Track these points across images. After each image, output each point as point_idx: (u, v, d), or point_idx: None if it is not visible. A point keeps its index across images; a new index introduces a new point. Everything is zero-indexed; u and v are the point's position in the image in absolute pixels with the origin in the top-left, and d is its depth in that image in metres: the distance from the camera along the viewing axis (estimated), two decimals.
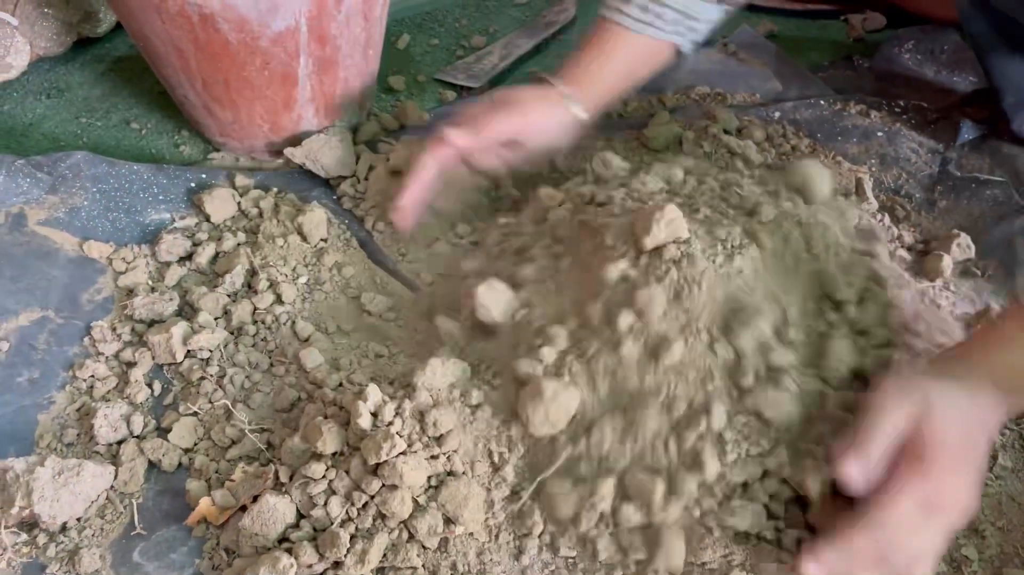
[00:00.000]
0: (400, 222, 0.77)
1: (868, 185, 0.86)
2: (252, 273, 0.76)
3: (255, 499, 0.58)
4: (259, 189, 0.86)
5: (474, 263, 0.76)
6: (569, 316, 0.64)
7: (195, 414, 0.66)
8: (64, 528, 0.59)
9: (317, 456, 0.59)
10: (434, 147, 0.75)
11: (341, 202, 0.86)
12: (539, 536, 0.58)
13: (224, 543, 0.58)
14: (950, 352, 0.61)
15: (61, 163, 0.82)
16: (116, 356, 0.71)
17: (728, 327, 0.60)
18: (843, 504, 0.54)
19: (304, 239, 0.79)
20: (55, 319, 0.73)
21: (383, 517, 0.57)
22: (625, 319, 0.60)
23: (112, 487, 0.62)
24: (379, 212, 0.84)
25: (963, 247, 0.80)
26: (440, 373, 0.62)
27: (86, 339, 0.72)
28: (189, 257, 0.79)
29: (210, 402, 0.67)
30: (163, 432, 0.65)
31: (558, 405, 0.58)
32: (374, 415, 0.59)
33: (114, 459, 0.63)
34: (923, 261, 0.79)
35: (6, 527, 0.58)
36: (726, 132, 0.91)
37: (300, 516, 0.58)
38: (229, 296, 0.74)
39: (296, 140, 0.88)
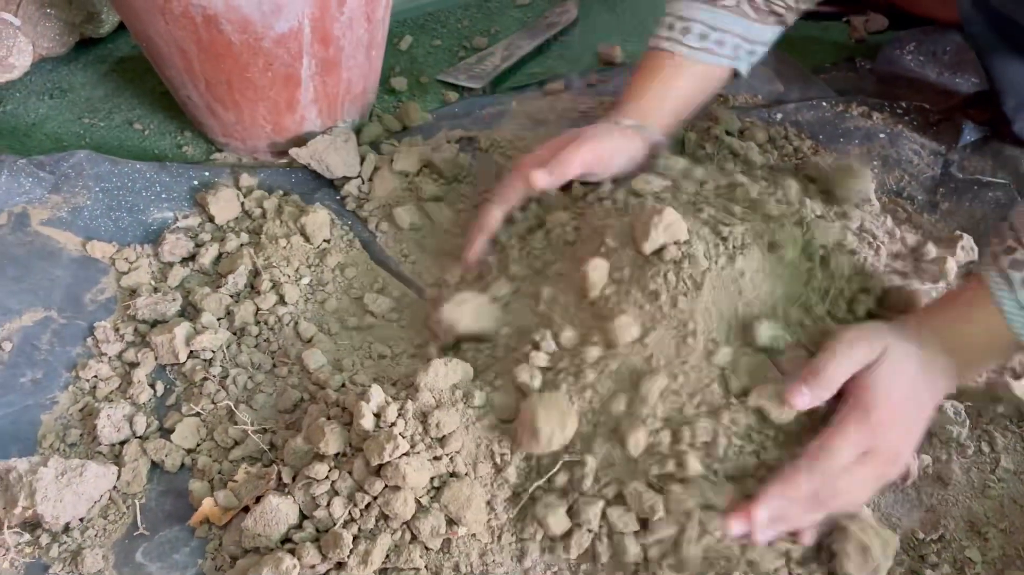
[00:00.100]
0: (466, 272, 0.75)
1: (871, 187, 0.86)
2: (255, 274, 0.76)
3: (258, 500, 0.58)
4: (262, 190, 0.86)
5: (455, 277, 0.76)
6: (561, 322, 0.64)
7: (198, 415, 0.66)
8: (67, 528, 0.59)
9: (320, 457, 0.59)
10: (506, 191, 0.74)
11: (345, 203, 0.86)
12: (540, 540, 0.58)
13: (227, 544, 0.58)
14: (915, 317, 0.62)
15: (64, 162, 0.82)
16: (119, 356, 0.71)
17: (729, 329, 0.60)
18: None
19: (307, 240, 0.79)
20: (58, 319, 0.73)
21: (386, 518, 0.57)
22: (592, 352, 0.61)
23: (115, 487, 0.62)
24: (384, 214, 0.84)
25: (967, 249, 0.80)
26: (442, 374, 0.62)
27: (89, 339, 0.72)
28: (192, 257, 0.79)
29: (213, 403, 0.67)
30: (166, 433, 0.65)
31: (553, 440, 0.58)
32: (377, 416, 0.59)
33: (117, 459, 0.63)
34: (927, 263, 0.79)
35: (9, 527, 0.58)
36: (728, 134, 0.91)
37: (303, 517, 0.58)
38: (232, 297, 0.75)
39: (299, 141, 0.88)
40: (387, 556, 0.56)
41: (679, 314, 0.61)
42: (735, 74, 0.81)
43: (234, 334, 0.72)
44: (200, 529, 0.60)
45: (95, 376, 0.69)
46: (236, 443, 0.64)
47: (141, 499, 0.62)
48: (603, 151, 0.73)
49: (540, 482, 0.59)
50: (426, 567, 0.56)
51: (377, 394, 0.59)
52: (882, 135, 0.95)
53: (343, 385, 0.67)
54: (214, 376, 0.68)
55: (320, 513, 0.57)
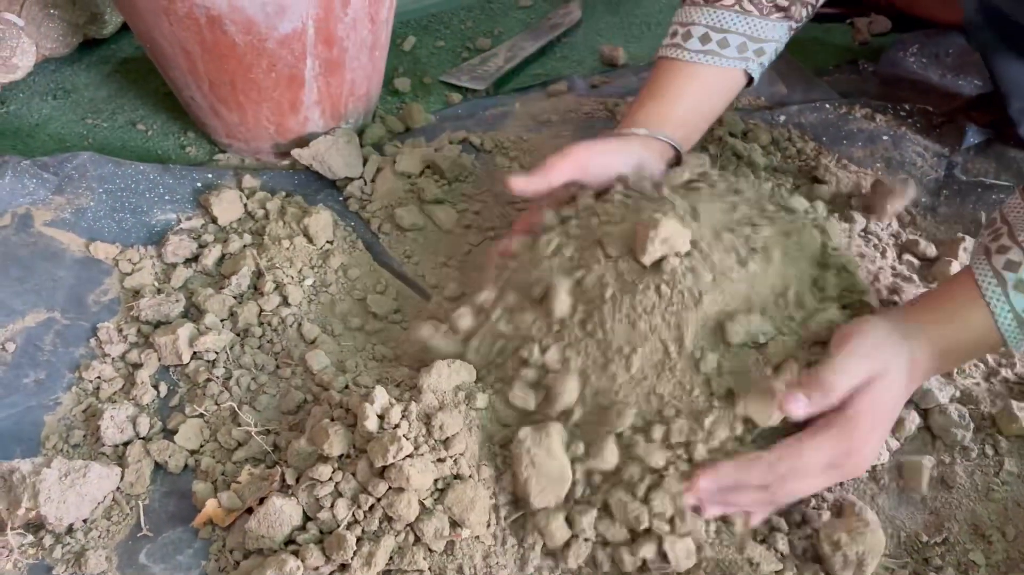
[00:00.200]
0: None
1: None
2: (258, 275, 0.76)
3: (261, 501, 0.58)
4: (265, 191, 0.86)
5: (452, 290, 0.76)
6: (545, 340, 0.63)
7: (201, 416, 0.66)
8: (70, 529, 0.59)
9: (323, 458, 0.59)
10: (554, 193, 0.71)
11: (347, 204, 0.86)
12: (540, 550, 0.58)
13: (230, 545, 0.58)
14: (907, 314, 0.61)
15: (67, 164, 0.82)
16: (122, 357, 0.71)
17: (727, 337, 0.59)
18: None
19: (310, 241, 0.79)
20: (61, 320, 0.73)
21: (389, 520, 0.56)
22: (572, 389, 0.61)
23: (118, 488, 0.62)
24: (386, 215, 0.84)
25: (970, 252, 0.80)
26: (446, 376, 0.62)
27: (92, 340, 0.72)
28: (195, 259, 0.79)
29: (216, 404, 0.67)
30: (169, 434, 0.65)
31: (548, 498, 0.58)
32: (380, 417, 0.59)
33: (120, 460, 0.63)
34: (930, 266, 0.79)
35: (12, 528, 0.58)
36: (731, 135, 0.92)
37: (306, 518, 0.58)
38: (235, 298, 0.75)
39: (302, 142, 0.88)
40: (391, 558, 0.56)
41: (669, 331, 0.59)
42: (750, 80, 0.78)
43: (237, 335, 0.72)
44: (204, 530, 0.60)
45: (98, 377, 0.69)
46: (240, 444, 0.64)
47: (145, 500, 0.62)
48: (587, 160, 0.70)
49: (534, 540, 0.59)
50: (430, 569, 0.56)
51: (381, 395, 0.59)
52: (885, 137, 0.95)
53: (347, 386, 0.67)
54: (217, 377, 0.68)
55: (324, 515, 0.57)
